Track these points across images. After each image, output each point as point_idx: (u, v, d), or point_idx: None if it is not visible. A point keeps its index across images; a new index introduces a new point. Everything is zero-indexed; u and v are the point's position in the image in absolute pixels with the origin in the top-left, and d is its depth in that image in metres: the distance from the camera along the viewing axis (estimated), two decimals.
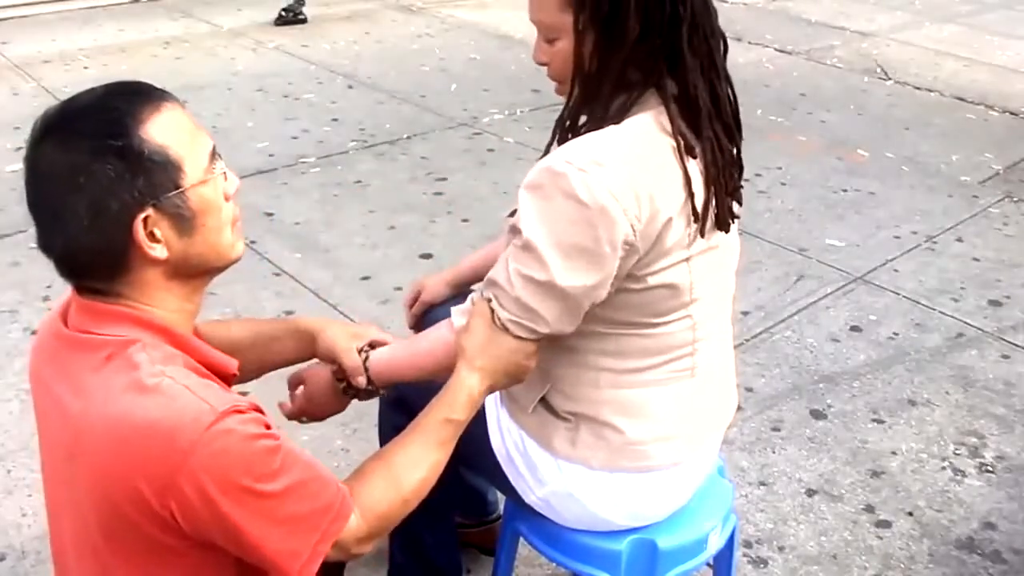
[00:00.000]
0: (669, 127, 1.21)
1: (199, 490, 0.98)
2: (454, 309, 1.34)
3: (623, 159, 1.18)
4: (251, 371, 1.41)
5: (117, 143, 1.01)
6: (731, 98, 1.28)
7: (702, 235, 1.24)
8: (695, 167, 1.22)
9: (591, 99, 1.25)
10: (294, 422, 1.51)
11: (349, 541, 1.10)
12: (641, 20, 1.18)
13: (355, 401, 1.48)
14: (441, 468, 1.21)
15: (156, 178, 1.03)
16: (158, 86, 1.10)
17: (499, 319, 1.23)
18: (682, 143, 1.21)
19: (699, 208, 1.22)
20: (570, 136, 1.28)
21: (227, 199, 1.12)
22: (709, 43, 1.23)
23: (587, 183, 1.15)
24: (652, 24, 1.19)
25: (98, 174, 1.00)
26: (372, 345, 1.42)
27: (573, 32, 1.22)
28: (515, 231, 1.22)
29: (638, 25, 1.18)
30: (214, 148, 1.11)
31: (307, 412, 1.48)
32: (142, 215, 1.03)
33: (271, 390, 1.54)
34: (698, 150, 1.22)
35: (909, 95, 5.38)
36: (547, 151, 1.28)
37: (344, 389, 1.43)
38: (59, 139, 1.03)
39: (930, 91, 5.45)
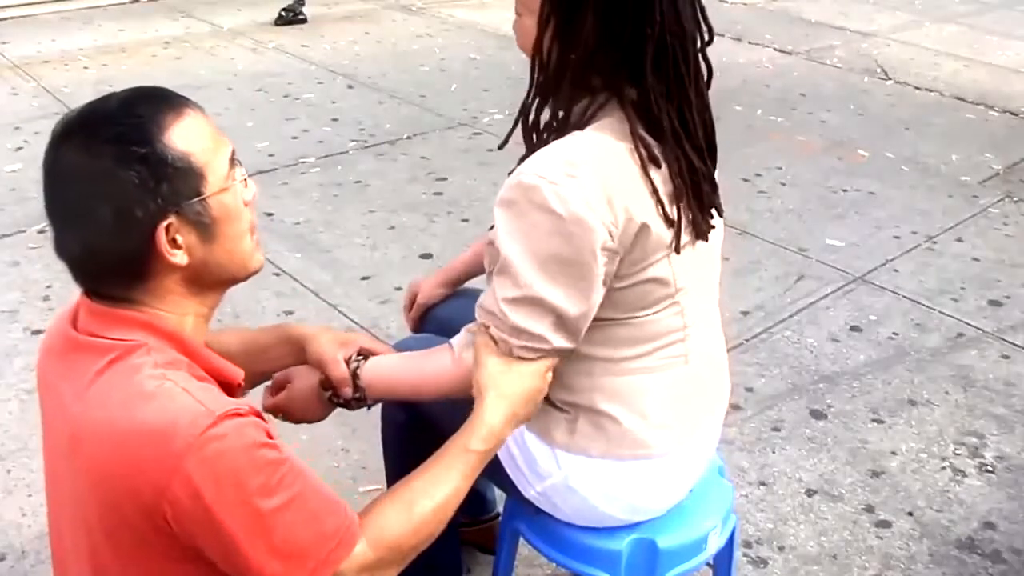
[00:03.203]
0: (629, 134, 1.21)
1: (192, 494, 0.96)
2: (454, 343, 1.33)
3: (593, 168, 1.17)
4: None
5: (141, 150, 1.01)
6: (707, 125, 1.27)
7: (677, 251, 1.24)
8: (658, 175, 1.21)
9: (550, 94, 1.25)
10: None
11: (352, 570, 1.06)
12: (598, 28, 1.17)
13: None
14: (459, 499, 1.17)
15: (179, 185, 1.03)
16: (179, 92, 1.10)
17: (506, 349, 1.23)
18: (644, 152, 1.20)
19: (671, 214, 1.22)
20: (534, 136, 1.28)
21: (245, 205, 1.12)
22: (680, 68, 1.20)
23: (560, 195, 1.15)
24: (611, 34, 1.18)
25: (123, 181, 1.00)
26: (362, 353, 1.39)
27: (538, 16, 1.22)
28: (492, 249, 1.22)
29: (595, 33, 1.17)
30: (233, 154, 1.11)
31: (285, 411, 1.44)
32: (165, 222, 1.03)
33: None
34: (661, 159, 1.21)
35: (909, 95, 5.38)
36: (506, 141, 1.30)
37: (330, 398, 1.40)
38: (82, 144, 1.02)
39: (930, 91, 5.45)
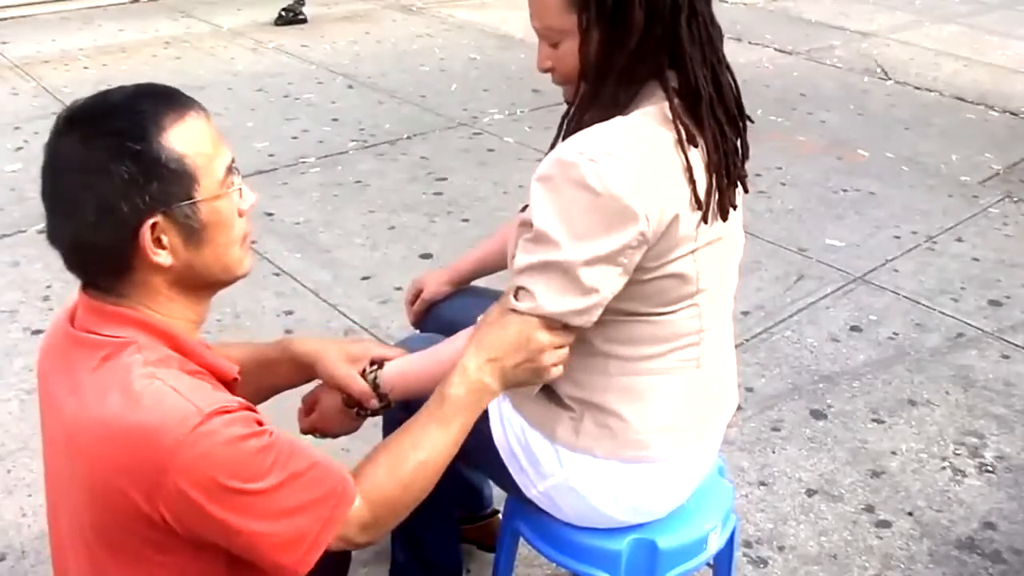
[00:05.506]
0: (671, 117, 1.22)
1: (186, 492, 0.98)
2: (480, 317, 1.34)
3: (632, 150, 1.19)
4: (249, 397, 1.38)
5: (136, 146, 1.01)
6: (733, 85, 1.29)
7: (705, 222, 1.24)
8: (696, 156, 1.23)
9: (597, 96, 1.25)
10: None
11: (353, 528, 1.09)
12: (645, 11, 1.19)
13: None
14: (442, 451, 1.18)
15: (170, 186, 1.03)
16: (187, 94, 1.10)
17: (510, 304, 1.23)
18: (683, 133, 1.21)
19: (701, 197, 1.23)
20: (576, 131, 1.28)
21: (241, 215, 1.12)
22: (709, 31, 1.24)
23: (598, 173, 1.16)
24: (655, 14, 1.19)
25: (113, 174, 1.01)
26: (374, 362, 1.41)
27: (578, 32, 1.22)
28: (526, 225, 1.22)
29: (643, 16, 1.19)
30: (233, 162, 1.11)
31: (321, 430, 1.48)
32: (150, 221, 1.03)
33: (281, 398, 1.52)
34: (700, 140, 1.23)
35: (909, 95, 5.38)
36: (552, 149, 1.28)
37: (357, 413, 1.43)
38: (82, 133, 1.03)
39: (930, 91, 5.45)
